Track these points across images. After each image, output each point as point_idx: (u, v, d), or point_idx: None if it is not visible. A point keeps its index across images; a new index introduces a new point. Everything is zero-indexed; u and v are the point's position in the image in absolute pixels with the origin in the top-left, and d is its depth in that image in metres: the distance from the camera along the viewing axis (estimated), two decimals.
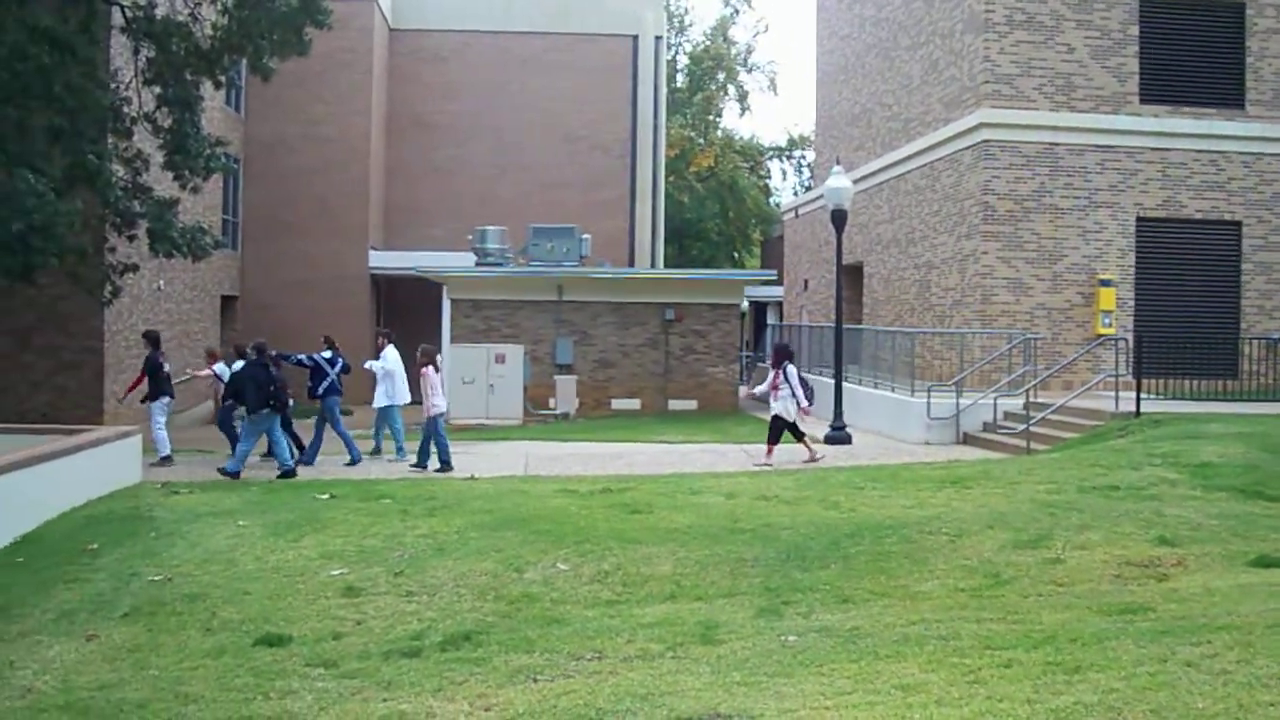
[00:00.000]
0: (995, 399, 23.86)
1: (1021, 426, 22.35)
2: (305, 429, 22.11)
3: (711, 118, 74.16)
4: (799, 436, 21.04)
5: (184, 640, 10.12)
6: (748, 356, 48.06)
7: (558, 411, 33.19)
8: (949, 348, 26.99)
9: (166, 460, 21.23)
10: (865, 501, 14.93)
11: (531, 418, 32.80)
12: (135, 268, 26.14)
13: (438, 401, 20.44)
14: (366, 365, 23.01)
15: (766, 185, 79.08)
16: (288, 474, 19.47)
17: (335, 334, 23.65)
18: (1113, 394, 21.70)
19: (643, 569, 11.86)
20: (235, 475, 19.33)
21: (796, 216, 44.15)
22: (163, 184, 26.19)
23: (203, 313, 37.73)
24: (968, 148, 27.11)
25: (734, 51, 75.40)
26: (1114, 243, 26.48)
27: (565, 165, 48.16)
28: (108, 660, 9.67)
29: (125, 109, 24.80)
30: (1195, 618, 8.91)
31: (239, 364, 21.43)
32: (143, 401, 22.15)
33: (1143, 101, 26.66)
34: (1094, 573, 11.04)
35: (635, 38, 49.12)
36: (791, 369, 20.97)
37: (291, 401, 20.86)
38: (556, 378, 33.80)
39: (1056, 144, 26.36)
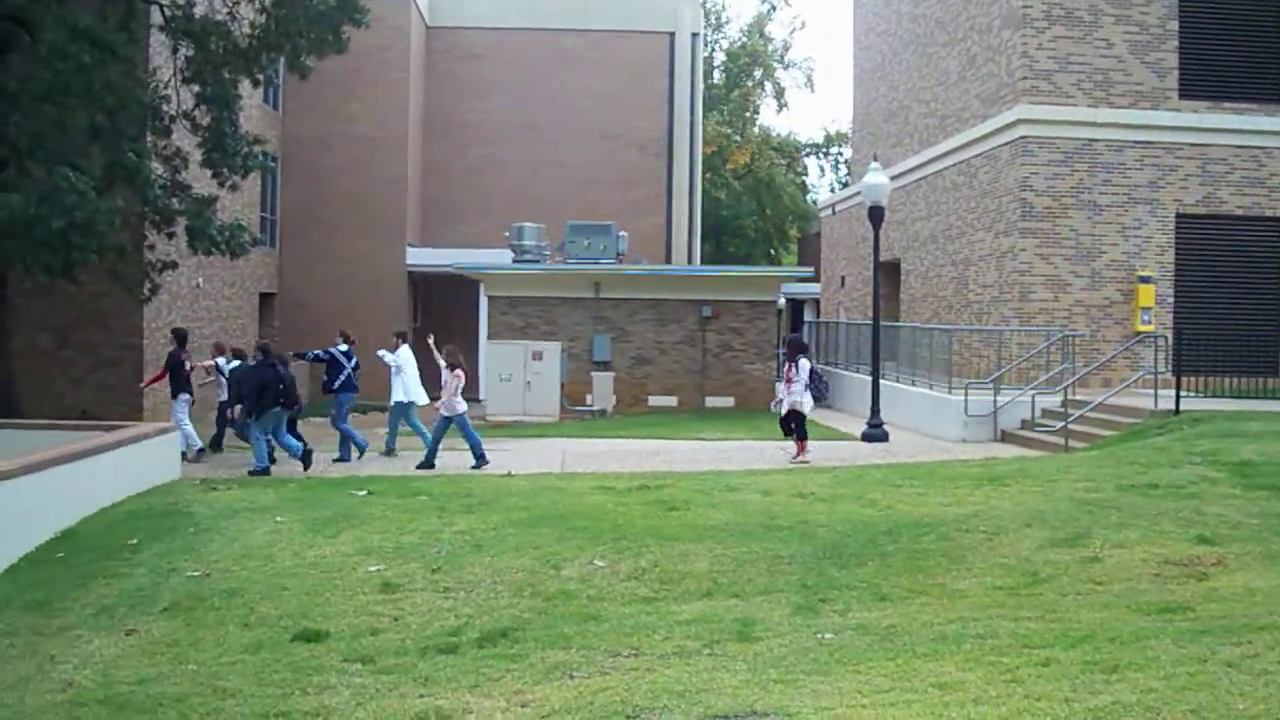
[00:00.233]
0: (1033, 396, 23.76)
1: (1059, 424, 22.23)
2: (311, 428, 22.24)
3: (748, 115, 74.03)
4: (801, 435, 20.91)
5: (222, 635, 10.18)
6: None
7: (594, 408, 33.20)
8: (987, 345, 26.87)
9: (201, 453, 21.46)
10: (902, 499, 14.89)
11: (568, 414, 32.82)
12: (174, 265, 26.28)
13: (449, 402, 20.41)
14: (380, 353, 23.05)
15: (803, 182, 78.97)
16: (262, 472, 19.67)
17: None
18: (1152, 392, 21.56)
19: (680, 566, 11.87)
20: (265, 472, 19.49)
21: (833, 213, 44.06)
22: (201, 182, 26.32)
23: (241, 310, 37.91)
24: (1005, 144, 26.99)
25: (771, 48, 75.19)
26: (1153, 239, 26.31)
27: (602, 162, 48.17)
28: (147, 655, 9.74)
29: (164, 107, 24.93)
30: (1235, 617, 8.86)
31: (234, 363, 21.71)
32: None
33: (1182, 97, 26.45)
34: (1133, 571, 10.98)
35: (672, 35, 49.09)
36: (804, 363, 20.81)
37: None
38: (593, 374, 33.81)
39: (1095, 140, 26.20)
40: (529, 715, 7.50)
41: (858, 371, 32.05)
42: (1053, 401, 23.54)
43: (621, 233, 37.53)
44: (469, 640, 9.64)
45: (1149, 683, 6.93)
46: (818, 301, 49.27)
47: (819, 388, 21.10)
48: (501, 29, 48.25)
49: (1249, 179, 26.52)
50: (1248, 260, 26.55)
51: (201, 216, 24.43)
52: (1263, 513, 12.89)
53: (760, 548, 12.33)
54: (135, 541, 13.60)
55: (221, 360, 23.15)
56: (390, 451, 22.32)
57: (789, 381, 20.86)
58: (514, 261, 36.61)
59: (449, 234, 46.66)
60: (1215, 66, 26.56)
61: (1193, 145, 26.40)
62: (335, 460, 21.38)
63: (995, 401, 24.00)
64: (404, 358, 22.36)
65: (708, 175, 63.12)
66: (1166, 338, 23.16)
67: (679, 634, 9.46)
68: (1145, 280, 25.97)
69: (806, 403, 20.73)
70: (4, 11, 21.99)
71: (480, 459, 20.11)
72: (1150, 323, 25.65)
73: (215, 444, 22.90)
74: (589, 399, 33.51)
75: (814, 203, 68.01)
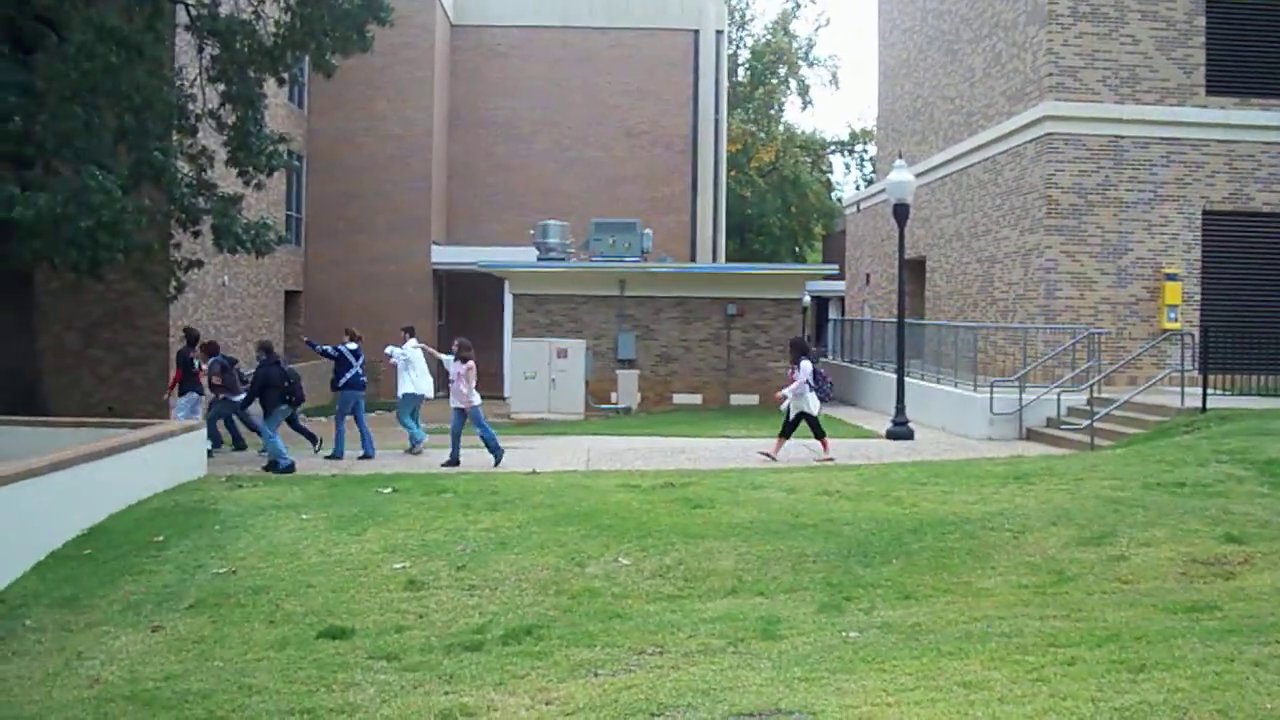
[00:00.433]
0: (1059, 394, 23.67)
1: (1085, 422, 22.17)
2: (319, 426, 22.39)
3: (773, 112, 73.95)
4: (785, 435, 20.80)
5: (248, 632, 10.22)
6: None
7: (619, 406, 33.23)
8: (1012, 342, 26.78)
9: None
10: (927, 497, 14.86)
11: (593, 412, 32.85)
12: (200, 264, 26.37)
13: (464, 395, 20.44)
14: (388, 350, 23.10)
15: (828, 180, 78.89)
16: (286, 469, 19.80)
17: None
18: (1178, 390, 21.46)
19: (704, 564, 11.87)
20: (290, 469, 19.60)
21: (858, 211, 43.98)
22: (227, 180, 26.41)
23: (267, 308, 38.06)
24: (1031, 141, 26.91)
25: (795, 46, 75.08)
26: (1180, 236, 26.19)
27: (626, 160, 48.23)
28: (173, 651, 9.79)
29: (190, 106, 25.01)
30: (1263, 616, 8.82)
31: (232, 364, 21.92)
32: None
33: (1209, 93, 26.32)
34: (1159, 570, 10.94)
35: (696, 32, 49.14)
36: (806, 364, 20.74)
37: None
38: (618, 372, 33.82)
39: (1121, 137, 26.10)
40: (553, 713, 7.51)
41: (883, 369, 31.99)
42: (1078, 400, 23.46)
43: (646, 230, 37.54)
44: (494, 638, 9.66)
45: (1176, 682, 6.91)
46: (842, 299, 49.24)
47: (824, 387, 21.03)
48: (526, 27, 48.36)
49: (1277, 175, 26.35)
50: (1276, 257, 26.36)
51: (227, 215, 24.51)
52: None
53: (785, 546, 12.32)
54: (162, 539, 13.67)
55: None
56: (416, 447, 22.41)
57: (790, 383, 20.80)
58: (539, 259, 36.63)
59: (474, 232, 46.78)
60: (1243, 62, 26.40)
61: (1220, 141, 26.26)
62: (327, 456, 21.58)
63: (1021, 399, 23.94)
64: (411, 352, 22.45)
65: (733, 173, 63.12)
66: (1193, 335, 23.04)
67: (704, 632, 9.47)
68: (1172, 278, 25.86)
69: (813, 403, 20.65)
70: (32, 12, 22.12)
71: (496, 453, 20.16)
72: (1177, 320, 25.54)
73: (237, 443, 23.03)
74: (614, 397, 33.54)
75: (839, 200, 67.85)
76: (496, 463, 19.90)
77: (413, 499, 15.66)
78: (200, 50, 25.28)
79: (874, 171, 56.09)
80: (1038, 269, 26.36)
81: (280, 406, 20.23)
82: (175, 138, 24.86)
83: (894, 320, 26.84)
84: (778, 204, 70.47)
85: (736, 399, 34.36)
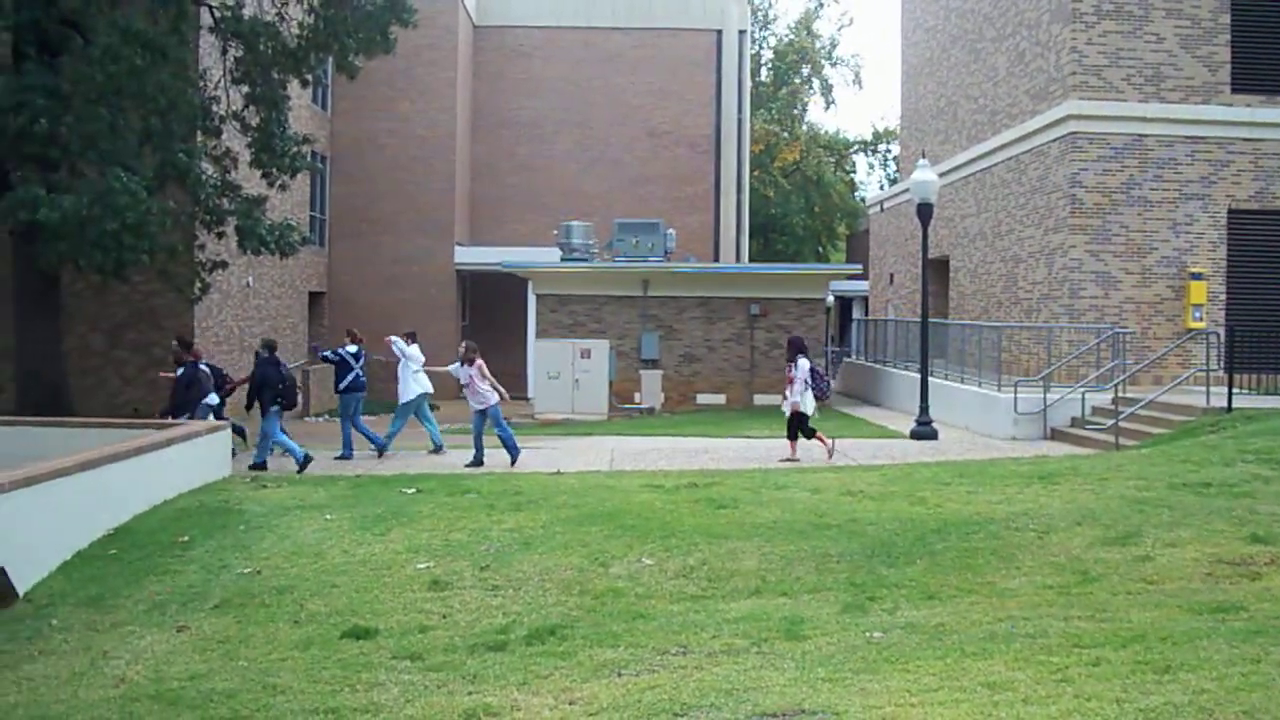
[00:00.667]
0: (1083, 394, 23.59)
1: (1110, 422, 22.08)
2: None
3: (796, 112, 73.82)
4: (793, 435, 20.74)
5: (273, 632, 10.27)
6: (834, 351, 47.88)
7: (643, 406, 33.25)
8: (1036, 342, 26.70)
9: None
10: (952, 497, 14.82)
11: (616, 412, 32.87)
12: (224, 265, 26.48)
13: (481, 395, 20.46)
14: (391, 338, 23.08)
15: (852, 179, 78.79)
16: (259, 466, 20.00)
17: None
18: (1204, 389, 21.36)
19: (728, 564, 11.87)
20: (301, 465, 19.91)
21: (882, 210, 43.91)
22: (251, 182, 26.54)
23: (291, 309, 38.20)
24: (1055, 140, 26.82)
25: (818, 45, 74.98)
26: (1205, 235, 26.07)
27: (649, 160, 48.27)
28: (198, 651, 9.84)
29: (214, 108, 25.15)
30: None
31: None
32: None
33: (1234, 91, 26.19)
34: (1185, 571, 10.90)
35: (719, 32, 49.15)
36: (804, 362, 20.70)
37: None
38: (642, 372, 33.85)
39: (1145, 135, 25.99)
40: (577, 713, 7.51)
41: (906, 369, 31.92)
42: (1103, 399, 23.38)
43: (670, 230, 37.56)
44: (517, 638, 9.68)
45: (1201, 683, 6.88)
46: (866, 299, 49.15)
47: (821, 386, 21.00)
48: (548, 27, 48.46)
49: None
50: None
51: (251, 216, 24.61)
52: None
53: (809, 546, 12.31)
54: (187, 539, 13.73)
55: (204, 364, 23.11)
56: (438, 448, 22.47)
57: (790, 382, 20.75)
58: (562, 259, 36.67)
59: (497, 232, 46.88)
60: (1269, 60, 26.25)
61: (1245, 140, 26.13)
62: (336, 457, 21.70)
63: (1045, 399, 23.85)
64: (410, 351, 22.53)
65: (756, 173, 63.05)
66: (1219, 334, 22.92)
67: (727, 632, 9.46)
68: (1197, 277, 25.74)
69: (808, 403, 20.62)
70: (58, 15, 22.25)
71: (513, 452, 20.23)
72: (1202, 319, 25.42)
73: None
74: (637, 397, 33.56)
75: (862, 200, 67.86)
76: (513, 462, 19.96)
77: (437, 499, 15.70)
78: (224, 52, 25.42)
79: (897, 171, 56.05)
80: (1062, 268, 26.27)
81: (273, 407, 20.37)
82: (199, 139, 25.00)
83: (918, 320, 26.81)
84: (801, 204, 70.38)
85: (760, 399, 34.32)
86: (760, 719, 6.89)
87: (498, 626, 10.12)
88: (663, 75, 48.53)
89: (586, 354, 33.07)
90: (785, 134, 70.46)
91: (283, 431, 20.64)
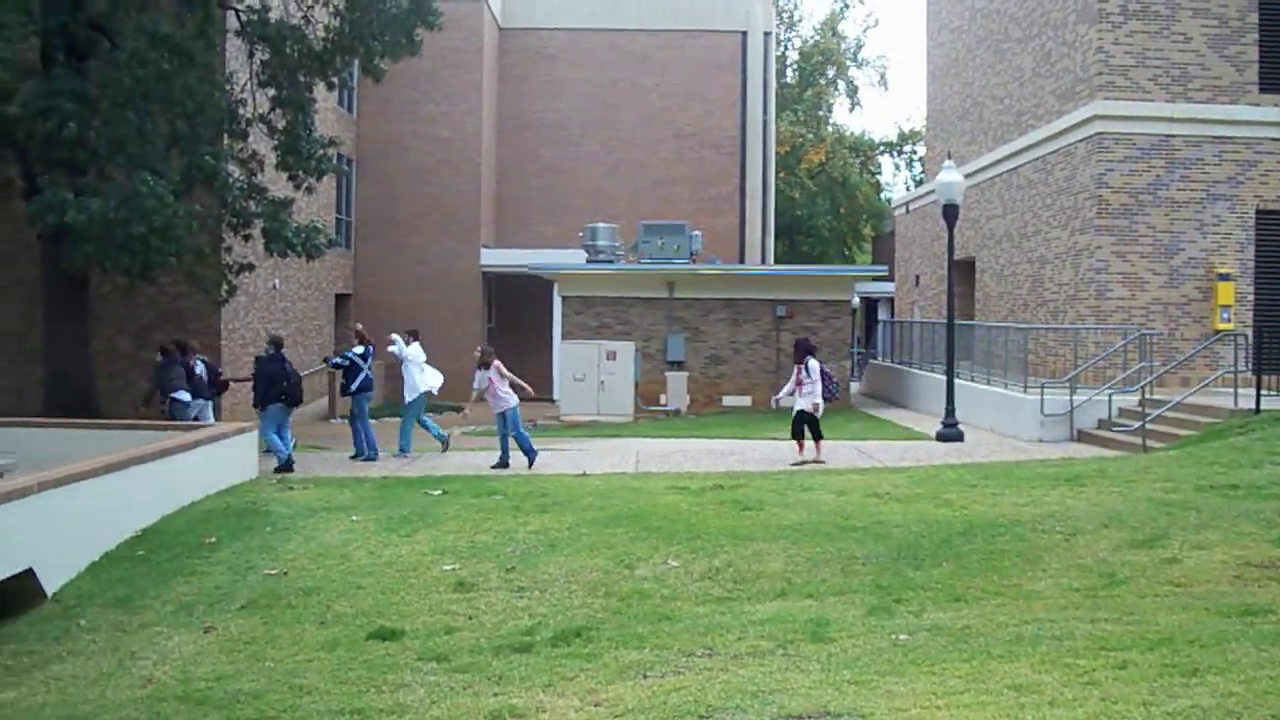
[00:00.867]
0: (1110, 396, 23.50)
1: (1137, 424, 21.99)
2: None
3: (822, 113, 73.70)
4: (817, 436, 20.75)
5: (299, 633, 10.32)
6: (859, 353, 47.80)
7: (669, 408, 33.24)
8: (1063, 343, 26.62)
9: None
10: (978, 499, 14.80)
11: (642, 414, 32.88)
12: (251, 267, 26.55)
13: (501, 398, 20.49)
14: (392, 336, 23.16)
15: (877, 181, 78.59)
16: (286, 467, 20.06)
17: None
18: (1231, 391, 21.27)
19: (754, 566, 11.87)
20: (289, 465, 20.03)
21: (907, 212, 43.83)
22: (277, 184, 26.60)
23: (317, 311, 38.29)
24: (1081, 140, 26.73)
25: (844, 46, 74.85)
26: (1233, 236, 25.93)
27: (675, 162, 48.23)
28: (225, 652, 9.89)
29: (240, 111, 25.25)
30: None
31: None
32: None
33: (1262, 91, 26.02)
34: (1212, 573, 10.85)
35: (744, 34, 49.06)
36: (813, 363, 20.67)
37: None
38: (668, 374, 33.83)
39: (1172, 135, 25.87)
40: (602, 714, 7.53)
41: (932, 371, 31.84)
42: (1130, 401, 23.28)
43: (695, 232, 37.47)
44: (543, 639, 9.70)
45: (1229, 687, 6.85)
46: (892, 300, 49.06)
47: (829, 388, 20.97)
48: (573, 29, 48.42)
49: None
50: None
51: (278, 219, 24.68)
52: None
53: (834, 548, 12.31)
54: (214, 540, 13.81)
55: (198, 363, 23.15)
56: (445, 444, 22.58)
57: (799, 383, 20.70)
58: (588, 261, 36.63)
59: (523, 234, 46.89)
60: None
61: (1273, 140, 25.96)
62: (353, 458, 21.86)
63: (1072, 401, 23.78)
64: (412, 351, 22.60)
65: (782, 175, 62.97)
66: (1246, 336, 22.83)
67: (753, 634, 9.47)
68: (1224, 277, 25.60)
69: (805, 403, 20.58)
70: (85, 19, 22.39)
71: (530, 454, 20.26)
72: (1230, 321, 25.29)
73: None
74: (663, 399, 33.55)
75: (888, 201, 67.61)
76: (530, 464, 20.00)
77: (462, 501, 15.74)
78: (250, 55, 25.51)
79: (923, 172, 55.87)
80: (1088, 269, 26.18)
81: (274, 405, 20.40)
82: (226, 142, 25.10)
83: (943, 321, 26.73)
84: (826, 205, 70.27)
85: (786, 401, 34.23)
86: None
87: (523, 628, 10.15)
88: (688, 77, 48.48)
89: (612, 356, 33.10)
90: (810, 135, 70.35)
91: (282, 430, 20.72)
